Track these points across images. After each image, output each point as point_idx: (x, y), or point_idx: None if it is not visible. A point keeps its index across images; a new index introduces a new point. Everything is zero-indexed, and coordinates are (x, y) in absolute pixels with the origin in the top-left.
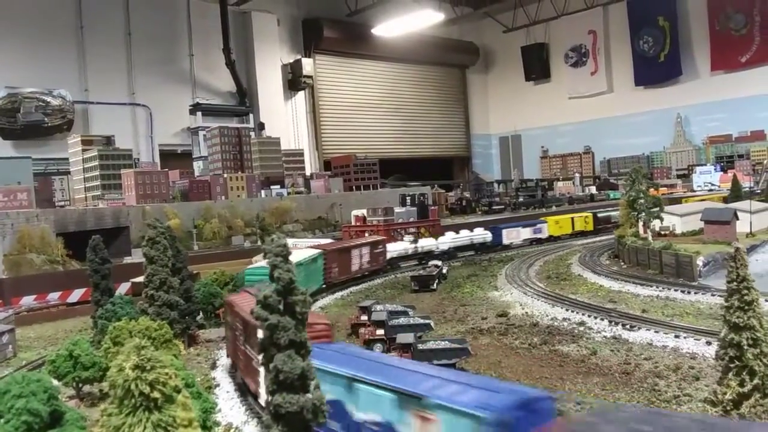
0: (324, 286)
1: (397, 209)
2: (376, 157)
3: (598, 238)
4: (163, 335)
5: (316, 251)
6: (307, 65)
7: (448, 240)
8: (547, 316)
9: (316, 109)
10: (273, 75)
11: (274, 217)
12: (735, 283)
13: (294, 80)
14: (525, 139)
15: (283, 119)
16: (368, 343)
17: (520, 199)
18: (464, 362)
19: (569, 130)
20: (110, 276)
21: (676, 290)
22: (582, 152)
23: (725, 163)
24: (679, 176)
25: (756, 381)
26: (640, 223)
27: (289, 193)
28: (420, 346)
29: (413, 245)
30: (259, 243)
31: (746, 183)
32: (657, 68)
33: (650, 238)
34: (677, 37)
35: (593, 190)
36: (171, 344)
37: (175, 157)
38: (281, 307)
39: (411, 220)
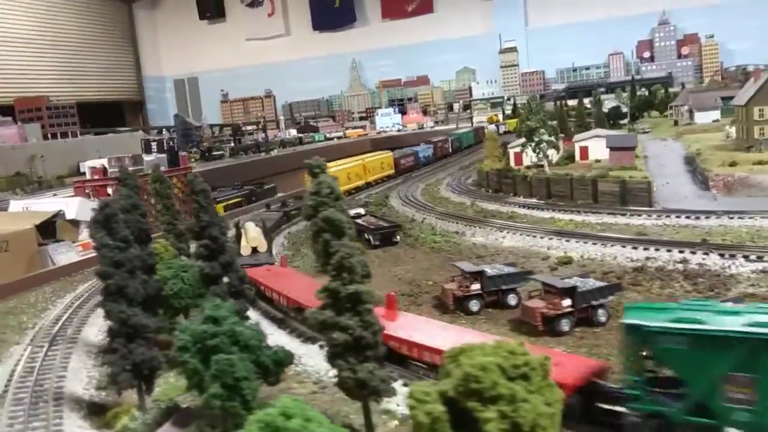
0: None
1: (146, 157)
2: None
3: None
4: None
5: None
6: None
7: None
8: (619, 257)
9: None
10: None
11: None
12: None
13: None
14: (203, 82)
15: None
16: None
17: (240, 144)
18: None
19: (249, 73)
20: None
21: (668, 216)
22: (263, 96)
23: (397, 105)
24: (361, 119)
25: None
26: (526, 154)
27: None
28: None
29: None
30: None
31: (426, 123)
32: (333, 13)
33: (547, 168)
34: None
35: (295, 132)
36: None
37: None
38: None
39: (163, 169)
